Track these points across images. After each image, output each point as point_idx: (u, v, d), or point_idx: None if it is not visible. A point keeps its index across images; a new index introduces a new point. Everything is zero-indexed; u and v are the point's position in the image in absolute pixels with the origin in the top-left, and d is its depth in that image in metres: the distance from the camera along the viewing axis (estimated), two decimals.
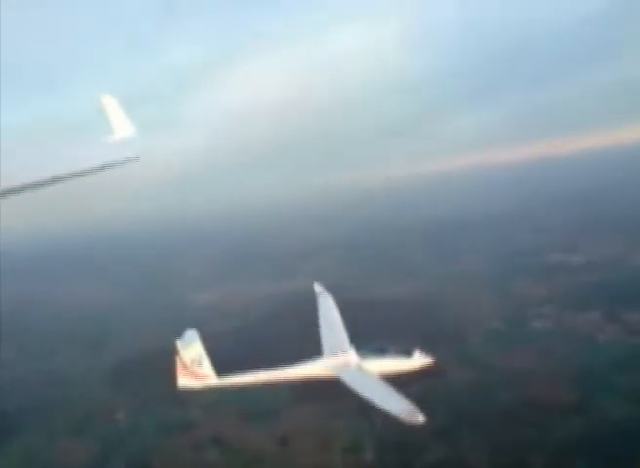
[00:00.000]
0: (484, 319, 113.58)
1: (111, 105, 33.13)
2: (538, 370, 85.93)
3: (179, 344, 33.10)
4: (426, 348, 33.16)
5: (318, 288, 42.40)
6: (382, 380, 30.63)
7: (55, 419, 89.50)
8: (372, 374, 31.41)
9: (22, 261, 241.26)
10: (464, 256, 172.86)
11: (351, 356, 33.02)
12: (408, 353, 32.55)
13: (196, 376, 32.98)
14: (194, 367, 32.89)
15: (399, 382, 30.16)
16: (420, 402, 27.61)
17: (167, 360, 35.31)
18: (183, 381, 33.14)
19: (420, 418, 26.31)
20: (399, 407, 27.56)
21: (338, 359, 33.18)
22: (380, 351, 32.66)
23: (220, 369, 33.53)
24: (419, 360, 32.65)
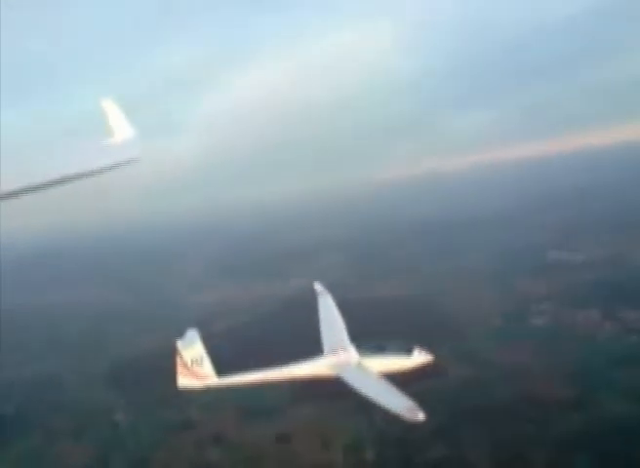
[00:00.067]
0: (484, 316, 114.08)
1: (111, 108, 33.32)
2: (536, 367, 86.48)
3: (179, 344, 33.21)
4: (427, 346, 33.28)
5: (318, 287, 42.47)
6: (383, 378, 30.80)
7: (54, 421, 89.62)
8: (372, 373, 31.53)
9: (21, 263, 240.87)
10: (464, 255, 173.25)
11: (351, 354, 33.13)
12: (408, 351, 32.67)
13: (197, 376, 33.09)
14: (195, 366, 33.00)
15: (399, 380, 30.35)
16: (421, 399, 27.74)
17: (166, 360, 35.48)
18: (184, 381, 33.24)
19: (421, 415, 26.40)
20: (399, 404, 27.67)
21: (338, 357, 33.29)
22: (381, 349, 32.76)
23: (221, 368, 33.69)
24: (419, 358, 32.73)
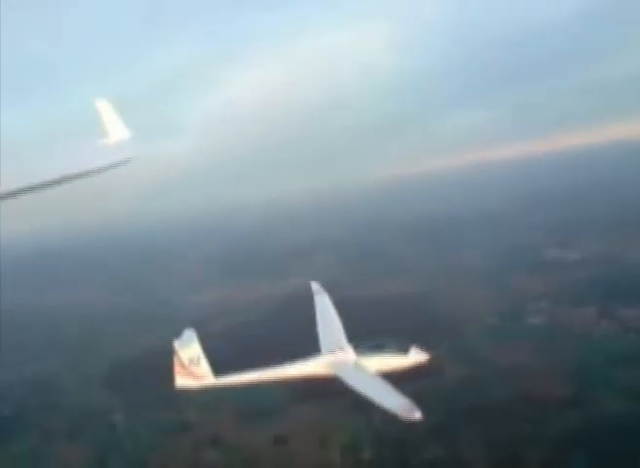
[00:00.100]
0: (480, 315, 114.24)
1: (106, 109, 33.41)
2: (533, 366, 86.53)
3: (176, 344, 33.24)
4: (423, 344, 33.39)
5: (315, 286, 42.59)
6: (380, 377, 30.88)
7: (51, 423, 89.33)
8: (369, 371, 31.65)
9: (20, 263, 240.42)
10: (460, 253, 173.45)
11: (349, 353, 33.23)
12: (405, 350, 32.80)
13: (194, 376, 33.11)
14: (192, 366, 33.02)
15: (396, 379, 30.41)
16: (417, 398, 27.80)
17: (163, 361, 35.49)
18: (182, 381, 33.27)
19: (418, 414, 26.48)
20: (396, 403, 27.75)
21: (335, 356, 33.39)
22: (378, 348, 32.88)
23: (219, 368, 33.70)
24: (415, 356, 32.87)
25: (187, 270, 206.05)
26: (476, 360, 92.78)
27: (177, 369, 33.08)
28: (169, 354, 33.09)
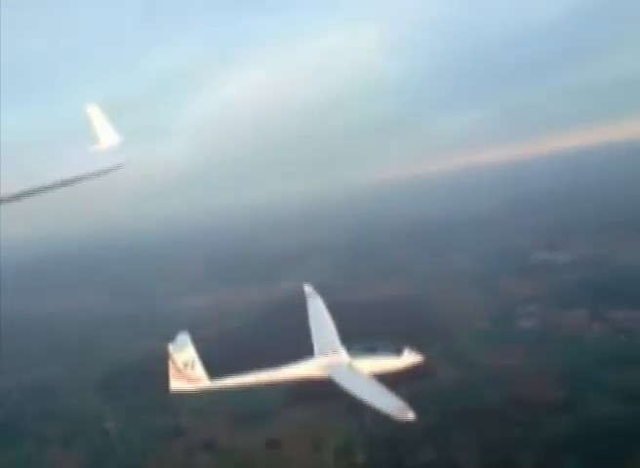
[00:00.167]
0: (471, 318, 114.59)
1: (96, 115, 33.49)
2: (524, 369, 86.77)
3: (171, 348, 33.40)
4: (415, 347, 33.69)
5: (308, 289, 42.86)
6: (373, 379, 31.16)
7: (46, 429, 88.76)
8: (363, 373, 31.92)
9: (20, 269, 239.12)
10: (451, 256, 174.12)
11: (342, 355, 33.51)
12: (398, 352, 33.10)
13: (189, 379, 33.27)
14: (187, 370, 33.19)
15: (389, 381, 30.68)
16: (410, 400, 28.09)
17: (157, 366, 35.58)
18: (176, 384, 33.42)
19: (411, 415, 26.81)
20: (390, 404, 28.07)
21: (329, 359, 33.66)
22: (371, 350, 33.17)
23: (213, 371, 33.86)
24: (408, 358, 33.19)
25: (181, 275, 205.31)
26: (468, 363, 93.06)
27: (171, 372, 33.24)
28: (160, 360, 33.22)
